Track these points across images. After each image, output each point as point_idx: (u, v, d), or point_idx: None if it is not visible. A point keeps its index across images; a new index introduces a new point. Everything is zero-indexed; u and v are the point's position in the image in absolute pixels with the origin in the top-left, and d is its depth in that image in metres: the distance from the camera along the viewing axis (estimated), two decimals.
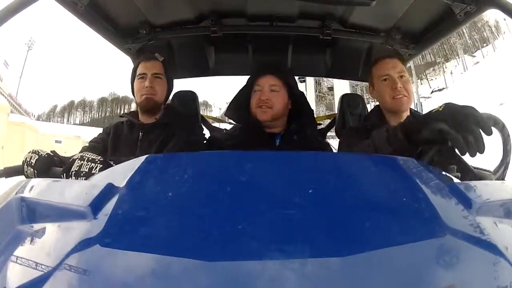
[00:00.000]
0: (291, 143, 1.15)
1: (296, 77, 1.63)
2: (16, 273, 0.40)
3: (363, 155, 0.75)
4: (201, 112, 1.74)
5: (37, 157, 0.87)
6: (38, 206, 0.51)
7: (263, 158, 0.61)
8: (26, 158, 0.88)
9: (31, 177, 0.84)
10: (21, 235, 0.46)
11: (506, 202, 0.52)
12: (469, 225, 0.44)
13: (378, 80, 1.15)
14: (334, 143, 1.66)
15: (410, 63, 1.70)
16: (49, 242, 0.44)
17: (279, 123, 1.18)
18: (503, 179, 0.80)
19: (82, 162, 0.78)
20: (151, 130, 1.18)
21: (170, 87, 1.27)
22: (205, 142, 1.22)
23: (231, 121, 1.35)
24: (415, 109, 1.27)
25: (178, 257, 0.36)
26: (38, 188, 0.55)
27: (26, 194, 0.53)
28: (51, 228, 0.46)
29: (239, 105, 1.23)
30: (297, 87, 1.26)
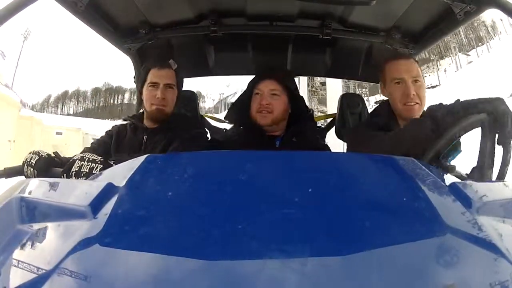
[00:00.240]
0: (291, 145, 1.15)
1: None
2: (16, 272, 0.40)
3: (363, 155, 0.75)
4: None
5: (37, 157, 0.87)
6: (38, 206, 0.51)
7: (263, 158, 0.61)
8: (26, 159, 0.88)
9: (31, 178, 0.84)
10: (21, 235, 0.46)
11: (506, 202, 0.52)
12: (469, 225, 0.44)
13: (390, 82, 1.08)
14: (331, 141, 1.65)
15: None
16: (49, 241, 0.44)
17: (279, 126, 1.19)
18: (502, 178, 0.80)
19: (83, 162, 0.78)
20: (155, 133, 1.16)
21: (179, 93, 1.24)
22: (207, 137, 1.22)
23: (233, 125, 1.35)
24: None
25: (178, 257, 0.37)
26: (38, 188, 0.56)
27: (26, 194, 0.53)
28: (51, 228, 0.46)
29: (239, 109, 1.23)
30: (297, 91, 1.26)
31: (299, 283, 0.34)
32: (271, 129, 1.18)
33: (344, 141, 1.55)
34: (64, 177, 0.79)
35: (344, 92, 2.10)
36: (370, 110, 1.50)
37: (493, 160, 0.77)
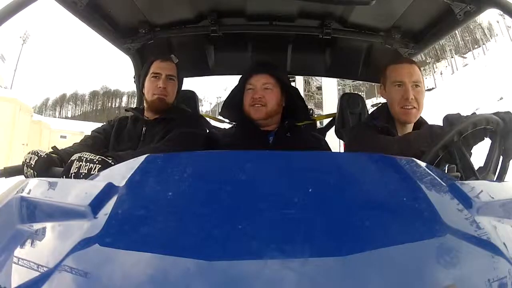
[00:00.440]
0: (285, 140, 1.15)
1: None
2: (16, 272, 0.40)
3: (363, 154, 0.75)
4: None
5: (36, 158, 0.87)
6: (38, 205, 0.51)
7: (263, 158, 0.61)
8: (25, 159, 0.88)
9: (31, 178, 0.84)
10: (21, 235, 0.46)
11: (506, 202, 0.52)
12: (469, 225, 0.44)
13: (391, 84, 1.10)
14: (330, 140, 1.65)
15: None
16: (49, 241, 0.44)
17: (273, 120, 1.18)
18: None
19: (81, 163, 0.78)
20: (154, 125, 1.19)
21: (179, 88, 1.28)
22: (204, 137, 1.22)
23: (228, 120, 1.35)
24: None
25: (178, 257, 0.36)
26: (38, 188, 0.55)
27: (26, 194, 0.53)
28: (51, 228, 0.46)
29: (233, 105, 1.23)
30: (290, 84, 1.25)
31: (299, 283, 0.34)
32: (265, 123, 1.17)
33: (344, 141, 1.56)
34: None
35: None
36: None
37: (497, 166, 0.79)
